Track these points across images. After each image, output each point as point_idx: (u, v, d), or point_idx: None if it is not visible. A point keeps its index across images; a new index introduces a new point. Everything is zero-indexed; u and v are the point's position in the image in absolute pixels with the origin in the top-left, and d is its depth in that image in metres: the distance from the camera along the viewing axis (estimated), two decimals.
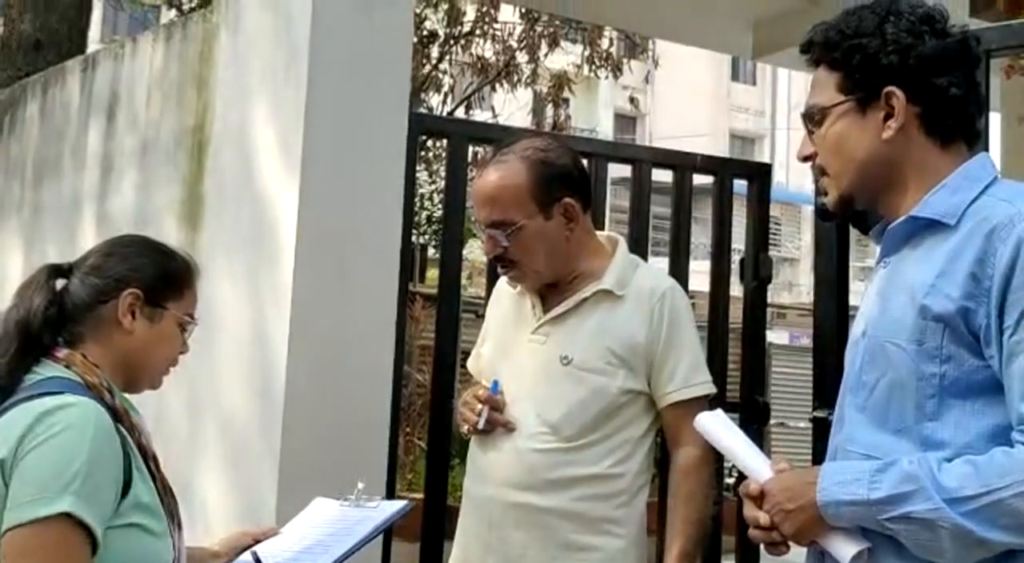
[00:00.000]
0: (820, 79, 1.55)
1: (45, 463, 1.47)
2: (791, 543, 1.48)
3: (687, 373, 2.13)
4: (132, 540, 1.53)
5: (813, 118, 1.55)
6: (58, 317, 1.62)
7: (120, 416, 1.58)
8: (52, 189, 4.26)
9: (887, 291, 1.49)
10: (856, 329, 1.55)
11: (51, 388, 1.55)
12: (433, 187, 9.45)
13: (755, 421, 3.36)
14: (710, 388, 2.17)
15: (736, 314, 3.48)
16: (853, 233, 2.90)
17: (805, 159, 1.58)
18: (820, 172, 1.57)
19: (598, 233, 2.29)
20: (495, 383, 2.17)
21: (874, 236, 1.59)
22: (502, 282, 2.31)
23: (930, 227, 1.47)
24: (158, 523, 1.57)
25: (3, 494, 1.48)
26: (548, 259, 2.14)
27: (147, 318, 1.66)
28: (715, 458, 2.17)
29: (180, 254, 1.76)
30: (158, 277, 1.68)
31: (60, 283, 1.65)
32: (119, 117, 3.84)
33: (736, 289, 3.53)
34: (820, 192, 1.61)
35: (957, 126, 1.51)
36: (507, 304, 2.28)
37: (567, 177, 2.15)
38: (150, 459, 1.62)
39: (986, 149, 1.67)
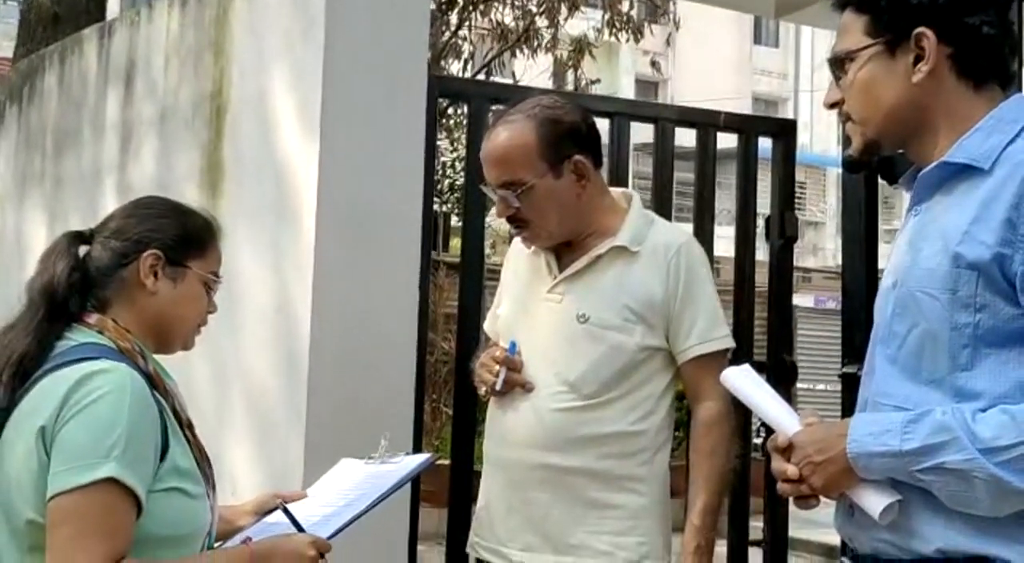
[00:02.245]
0: (847, 23, 1.51)
1: (86, 430, 1.47)
2: (820, 496, 1.46)
3: (705, 327, 2.11)
4: (172, 504, 1.54)
5: (840, 63, 1.51)
6: (83, 283, 1.62)
7: (155, 381, 1.59)
8: (72, 160, 4.26)
9: (918, 240, 1.46)
10: (886, 280, 1.51)
11: (86, 354, 1.54)
12: (455, 155, 9.42)
13: (783, 380, 3.33)
14: (729, 342, 2.16)
15: (762, 277, 3.44)
16: (882, 191, 2.86)
17: (832, 106, 1.55)
18: (846, 118, 1.53)
19: (612, 189, 2.27)
20: (512, 343, 2.16)
21: (904, 183, 1.55)
22: (516, 243, 2.29)
23: (963, 172, 1.43)
24: (196, 486, 1.58)
25: (44, 461, 1.48)
26: (560, 218, 2.12)
27: (170, 278, 1.65)
28: (737, 413, 2.16)
29: (200, 213, 1.75)
30: (178, 236, 1.67)
31: (83, 249, 1.65)
32: (137, 85, 3.83)
33: (762, 252, 3.48)
34: (846, 139, 1.57)
35: (990, 67, 1.46)
36: (522, 264, 2.26)
37: (576, 134, 2.13)
38: (185, 424, 1.62)
39: (1019, 90, 1.62)
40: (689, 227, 3.30)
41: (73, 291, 1.60)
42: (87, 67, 4.25)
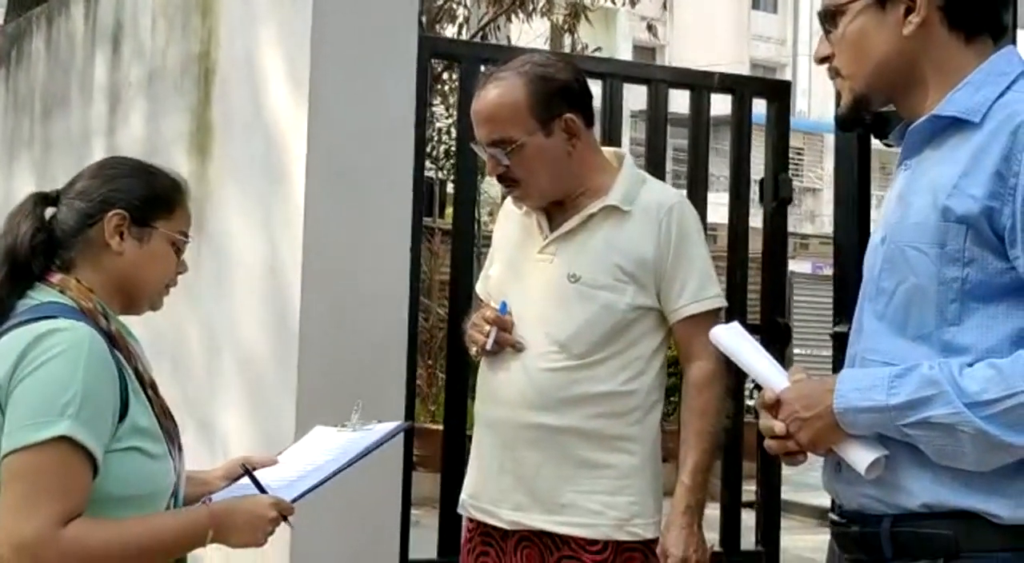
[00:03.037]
0: None
1: (41, 388, 1.46)
2: (808, 452, 1.45)
3: (697, 287, 2.10)
4: (131, 463, 1.53)
5: (830, 17, 1.49)
6: (48, 244, 1.61)
7: (116, 341, 1.57)
8: (61, 123, 4.23)
9: (908, 194, 1.44)
10: (875, 236, 1.50)
11: (46, 312, 1.53)
12: (450, 120, 9.36)
13: (776, 342, 3.32)
14: (721, 301, 2.15)
15: (757, 242, 3.42)
16: (878, 157, 2.84)
17: (822, 60, 1.53)
18: (835, 73, 1.51)
19: (604, 149, 2.25)
20: (503, 304, 2.15)
21: (895, 138, 1.53)
22: (508, 203, 2.28)
23: (953, 126, 1.41)
24: (157, 446, 1.57)
25: (1, 419, 1.48)
26: (551, 177, 2.11)
27: (136, 238, 1.63)
28: (729, 373, 2.15)
29: (168, 173, 1.73)
30: (144, 196, 1.65)
31: (49, 211, 1.63)
32: (125, 47, 3.79)
33: (756, 219, 3.46)
34: (838, 98, 1.55)
35: (982, 19, 1.44)
36: (513, 224, 2.25)
37: (567, 92, 2.11)
38: (147, 385, 1.61)
39: (1013, 43, 1.60)
40: (683, 192, 3.28)
41: (36, 252, 1.59)
42: (74, 29, 4.20)
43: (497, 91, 2.09)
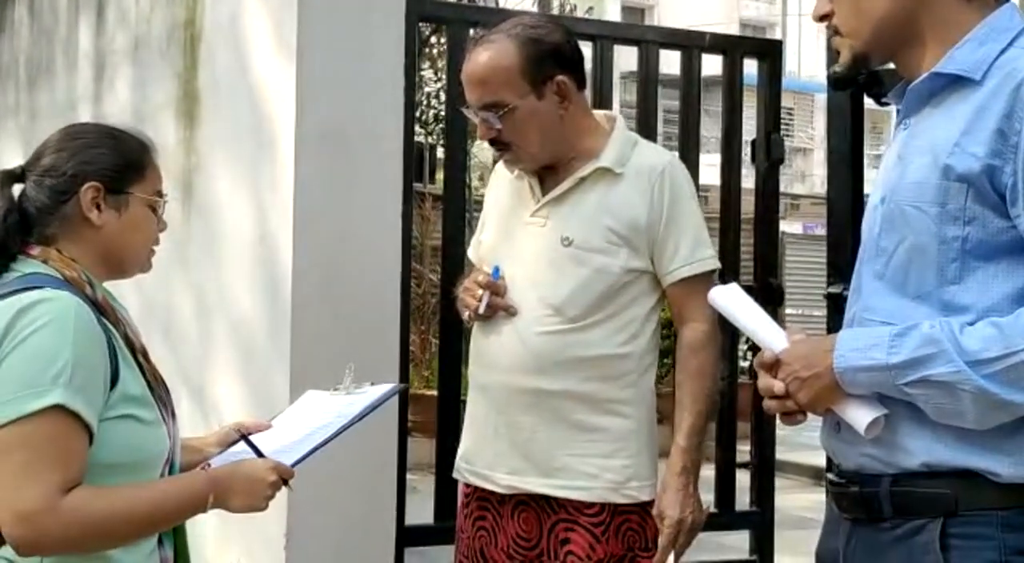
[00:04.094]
0: None
1: (30, 359, 1.45)
2: (807, 413, 1.45)
3: (690, 249, 2.10)
4: (124, 430, 1.52)
5: None
6: (22, 222, 1.58)
7: (103, 309, 1.56)
8: (47, 91, 4.19)
9: (907, 153, 1.43)
10: (874, 196, 1.49)
11: (29, 283, 1.52)
12: (439, 85, 9.29)
13: (769, 303, 3.32)
14: (715, 263, 2.15)
15: (749, 203, 3.41)
16: (870, 117, 2.82)
17: (821, 19, 1.51)
18: (834, 32, 1.49)
19: (596, 112, 2.23)
20: (496, 268, 2.14)
21: (894, 97, 1.52)
22: (499, 167, 2.27)
23: (954, 83, 1.40)
24: (149, 412, 1.56)
25: None
26: (543, 140, 2.09)
27: (113, 208, 1.61)
28: (723, 334, 2.15)
29: (132, 134, 1.69)
30: (115, 165, 1.62)
31: (17, 188, 1.60)
32: (109, 14, 3.74)
33: (749, 180, 3.45)
34: (835, 55, 1.54)
35: None
36: (505, 188, 2.23)
37: (558, 54, 2.09)
38: (137, 351, 1.60)
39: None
40: (675, 154, 3.26)
41: (9, 232, 1.56)
42: None
43: (488, 54, 2.07)
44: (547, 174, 2.15)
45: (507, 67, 2.06)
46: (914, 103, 1.45)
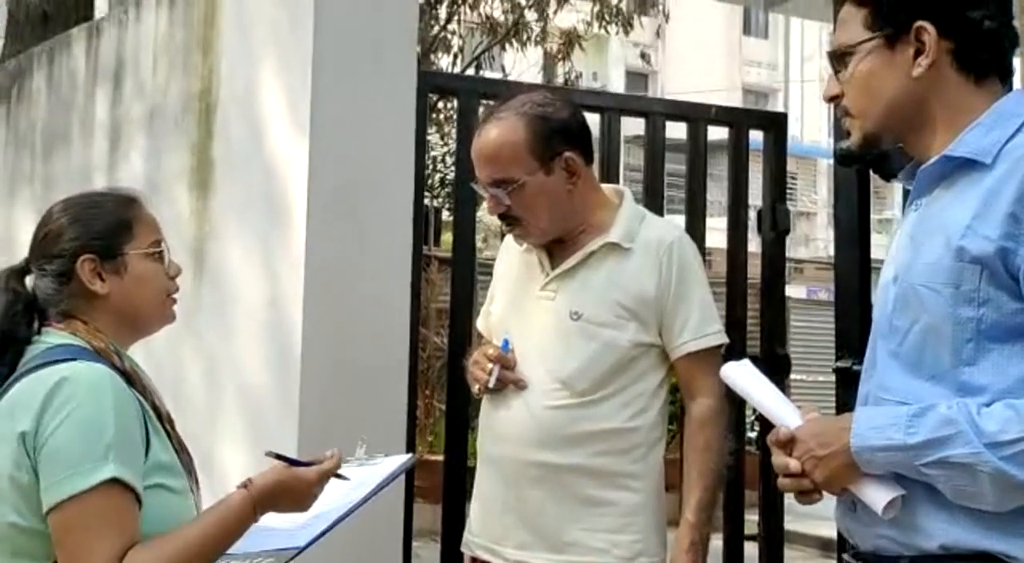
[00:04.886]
0: (846, 16, 1.50)
1: (77, 436, 1.46)
2: (822, 491, 1.45)
3: (699, 323, 2.11)
4: (157, 500, 1.53)
5: (839, 57, 1.50)
6: (31, 309, 1.61)
7: (131, 379, 1.58)
8: (62, 160, 4.24)
9: (919, 234, 1.44)
10: (886, 273, 1.50)
11: (61, 355, 1.53)
12: (446, 149, 9.40)
13: (776, 373, 3.32)
14: (722, 338, 2.16)
15: (754, 269, 3.44)
16: (873, 182, 2.85)
17: (831, 99, 1.54)
18: (844, 113, 1.52)
19: (604, 186, 2.26)
20: (505, 341, 2.15)
21: (904, 177, 1.54)
22: (509, 240, 2.29)
23: (965, 167, 1.42)
24: (178, 481, 1.58)
25: (29, 466, 1.47)
26: (552, 215, 2.12)
27: (114, 273, 1.63)
28: (731, 408, 2.15)
29: (112, 194, 1.72)
30: (101, 231, 1.64)
31: (29, 281, 1.63)
32: (126, 84, 3.80)
33: (754, 244, 3.48)
34: (844, 133, 1.56)
35: (991, 62, 1.45)
36: (515, 261, 2.26)
37: (566, 131, 2.12)
38: (164, 420, 1.61)
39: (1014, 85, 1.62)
40: (681, 219, 3.30)
41: (16, 323, 1.59)
42: (76, 67, 4.22)
43: (497, 132, 2.11)
44: (556, 248, 2.17)
45: (515, 144, 2.09)
46: (925, 184, 1.47)
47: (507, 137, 2.10)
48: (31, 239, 1.68)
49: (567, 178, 2.11)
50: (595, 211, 2.16)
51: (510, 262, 2.28)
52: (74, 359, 1.52)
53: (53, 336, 1.59)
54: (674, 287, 2.10)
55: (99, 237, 1.63)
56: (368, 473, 1.78)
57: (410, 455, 1.94)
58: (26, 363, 1.55)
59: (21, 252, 1.72)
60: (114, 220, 1.66)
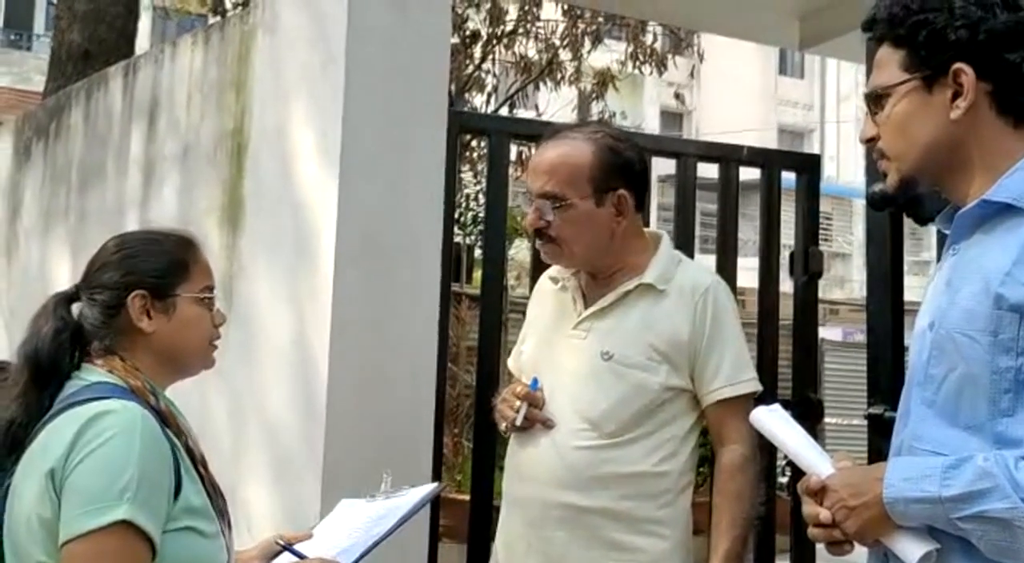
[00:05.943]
0: (883, 57, 1.48)
1: (97, 473, 1.45)
2: (854, 542, 1.41)
3: (732, 370, 2.08)
4: (186, 543, 1.51)
5: (876, 98, 1.48)
6: (77, 339, 1.61)
7: (166, 419, 1.57)
8: (97, 195, 4.29)
9: (957, 280, 1.41)
10: (922, 320, 1.46)
11: (97, 393, 1.53)
12: (478, 187, 9.43)
13: (808, 418, 3.27)
14: (756, 386, 2.12)
15: (787, 310, 3.40)
16: (906, 224, 2.81)
17: (867, 141, 1.51)
18: (880, 155, 1.50)
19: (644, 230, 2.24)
20: (534, 380, 2.13)
21: (941, 221, 1.51)
22: (544, 279, 2.28)
23: (1004, 212, 1.39)
24: (210, 525, 1.56)
25: (55, 503, 1.46)
26: (588, 245, 2.10)
27: (162, 312, 1.63)
28: (763, 456, 2.11)
29: (171, 235, 1.72)
30: (157, 270, 1.64)
31: (76, 308, 1.63)
32: (160, 121, 3.85)
33: (786, 285, 3.45)
34: (880, 176, 1.54)
35: None
36: (548, 301, 2.24)
37: (628, 170, 2.12)
38: (198, 461, 1.60)
39: None
40: (712, 259, 3.27)
41: (62, 351, 1.59)
42: (112, 103, 4.28)
43: (563, 148, 2.11)
44: (590, 288, 2.16)
45: (577, 165, 2.08)
46: (963, 229, 1.44)
47: (570, 156, 2.09)
48: (85, 268, 1.68)
49: (614, 215, 2.10)
50: (633, 254, 2.14)
51: (544, 302, 2.26)
52: (109, 397, 1.52)
53: (91, 373, 1.59)
54: (708, 332, 2.08)
55: (154, 275, 1.63)
56: (394, 505, 1.76)
57: (436, 484, 1.91)
58: (63, 400, 1.55)
59: (56, 284, 1.73)
60: (171, 260, 1.66)
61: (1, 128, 5.93)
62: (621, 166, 2.10)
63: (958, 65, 1.41)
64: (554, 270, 2.25)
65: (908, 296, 2.78)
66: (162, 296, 1.63)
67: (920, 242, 16.41)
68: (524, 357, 2.26)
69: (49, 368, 1.57)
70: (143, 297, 1.61)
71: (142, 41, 8.49)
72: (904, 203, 1.70)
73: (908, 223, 2.80)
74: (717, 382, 2.07)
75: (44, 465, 1.48)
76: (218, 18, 9.06)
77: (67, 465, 1.46)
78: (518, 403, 2.10)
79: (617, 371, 2.06)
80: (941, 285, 1.45)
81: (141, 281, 1.62)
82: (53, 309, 1.62)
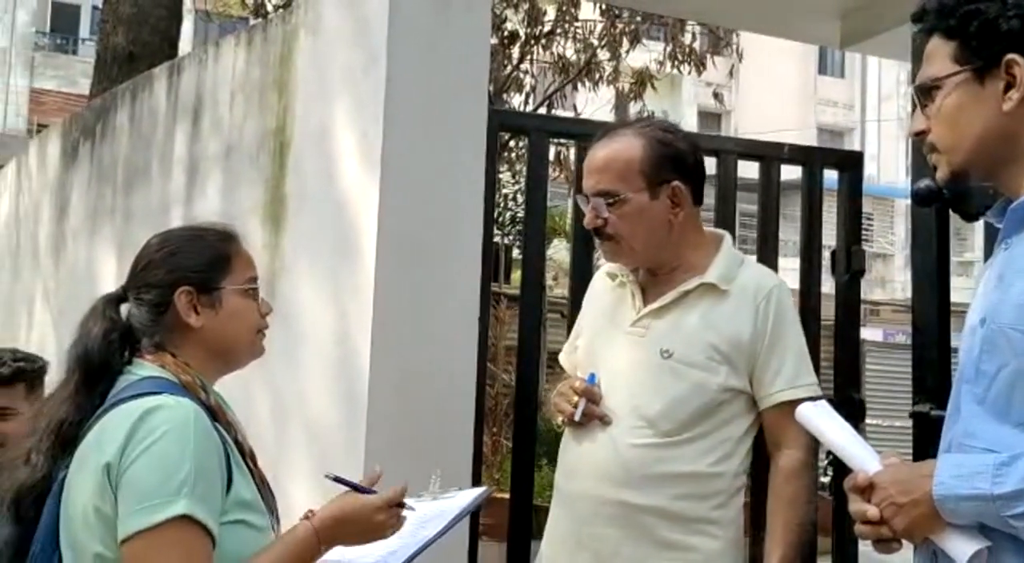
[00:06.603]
0: (934, 49, 1.46)
1: (154, 469, 1.47)
2: (902, 540, 1.39)
3: (792, 373, 2.05)
4: (238, 537, 1.53)
5: (926, 91, 1.46)
6: (127, 339, 1.63)
7: (216, 414, 1.59)
8: (142, 194, 4.35)
9: (1009, 274, 1.39)
10: (972, 316, 1.44)
11: (148, 388, 1.55)
12: (516, 187, 9.44)
13: (851, 418, 3.23)
14: (816, 390, 2.08)
15: (828, 310, 3.37)
16: (952, 222, 2.78)
17: (917, 135, 1.49)
18: (931, 148, 1.47)
19: (706, 229, 2.22)
20: (592, 375, 2.11)
21: (994, 215, 1.48)
22: (600, 275, 2.27)
23: None
24: (261, 518, 1.57)
25: (112, 497, 1.49)
26: (646, 240, 2.09)
27: (209, 306, 1.65)
28: (816, 461, 2.09)
29: (212, 229, 1.73)
30: (201, 264, 1.66)
31: (124, 308, 1.65)
32: (204, 121, 3.89)
33: (828, 285, 3.42)
34: (927, 170, 1.52)
35: None
36: (605, 296, 2.22)
37: (681, 161, 2.10)
38: (247, 455, 1.62)
39: None
40: (753, 259, 3.25)
41: (112, 351, 1.60)
42: (156, 104, 4.34)
43: (613, 145, 2.10)
44: (649, 285, 2.14)
45: (628, 160, 2.08)
46: (1016, 223, 1.42)
47: (621, 152, 2.09)
48: (130, 268, 1.70)
49: (670, 207, 2.09)
50: (693, 250, 2.13)
51: (600, 296, 2.24)
52: (160, 393, 1.54)
53: (142, 368, 1.60)
54: (770, 334, 2.06)
55: (198, 270, 1.65)
56: (442, 507, 1.76)
57: (485, 488, 1.90)
58: (115, 395, 1.57)
59: (103, 283, 1.75)
60: (213, 254, 1.68)
61: (49, 130, 6.03)
62: (672, 157, 2.09)
63: (1011, 56, 1.39)
64: (611, 266, 2.23)
65: (952, 297, 2.75)
66: (208, 290, 1.64)
67: (964, 242, 16.18)
68: (580, 351, 2.24)
69: (100, 368, 1.59)
70: (189, 293, 1.63)
71: (184, 44, 8.58)
72: (951, 199, 1.68)
73: (953, 222, 2.76)
74: (776, 385, 2.05)
75: (100, 459, 1.50)
76: (259, 20, 9.15)
77: (123, 460, 1.48)
78: (576, 398, 2.09)
79: (676, 370, 2.04)
80: (992, 280, 1.42)
81: (186, 277, 1.64)
82: (102, 311, 1.64)
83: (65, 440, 1.56)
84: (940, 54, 1.45)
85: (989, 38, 1.40)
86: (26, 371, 2.40)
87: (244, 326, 1.68)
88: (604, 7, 9.04)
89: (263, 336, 1.72)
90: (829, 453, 1.54)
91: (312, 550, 1.55)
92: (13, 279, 6.21)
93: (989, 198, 1.50)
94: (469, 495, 1.79)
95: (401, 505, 1.61)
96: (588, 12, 9.62)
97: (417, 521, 1.71)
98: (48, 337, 5.15)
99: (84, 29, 21.34)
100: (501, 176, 8.98)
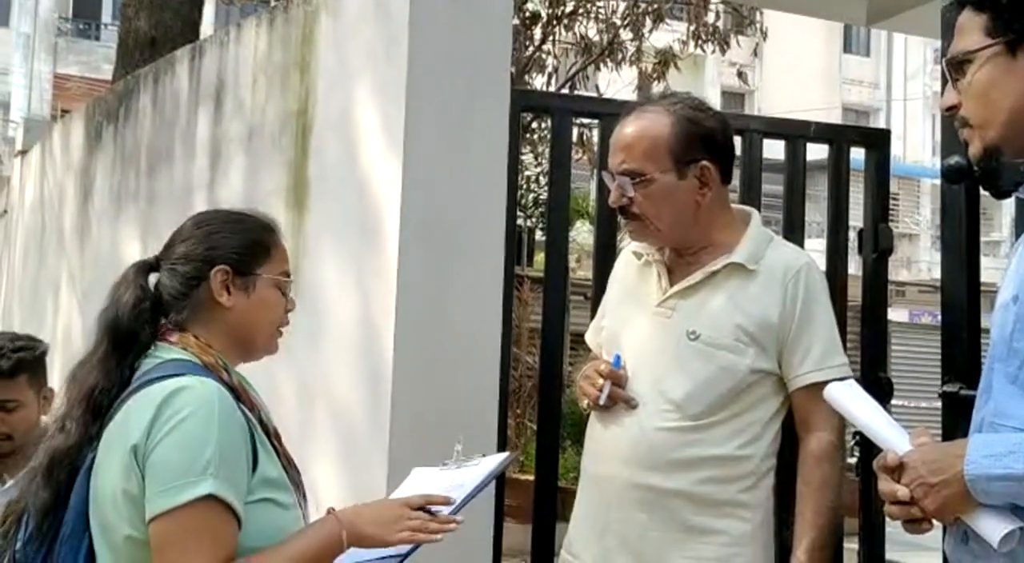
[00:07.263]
0: (965, 22, 1.44)
1: (179, 449, 1.48)
2: (933, 520, 1.37)
3: (822, 354, 2.02)
4: (265, 515, 1.54)
5: (957, 65, 1.43)
6: (155, 310, 1.63)
7: (239, 394, 1.60)
8: (165, 177, 4.36)
9: None
10: (1005, 293, 1.42)
11: (171, 371, 1.56)
12: (539, 169, 9.41)
13: (878, 398, 3.20)
14: (846, 371, 2.04)
15: (855, 290, 3.33)
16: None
17: (948, 109, 1.46)
18: (962, 123, 1.45)
19: (733, 206, 2.18)
20: (617, 357, 2.08)
21: None
22: (625, 254, 2.23)
23: None
24: (287, 496, 1.59)
25: (140, 478, 1.50)
26: (673, 220, 2.05)
27: (242, 289, 1.65)
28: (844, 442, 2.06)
29: (256, 216, 1.74)
30: (241, 246, 1.67)
31: (153, 278, 1.66)
32: (226, 104, 3.89)
33: (854, 266, 3.38)
34: (957, 146, 1.49)
35: None
36: (631, 276, 2.19)
37: (710, 140, 2.06)
38: (272, 434, 1.63)
39: None
40: (781, 238, 3.22)
41: (141, 320, 1.61)
42: (179, 87, 4.34)
43: (640, 123, 2.06)
44: (676, 264, 2.10)
45: (655, 138, 2.03)
46: None
47: (648, 130, 2.04)
48: (166, 242, 1.71)
49: (698, 187, 2.05)
50: (720, 229, 2.09)
51: (626, 276, 2.21)
52: (184, 374, 1.54)
53: (166, 351, 1.61)
54: (799, 315, 2.02)
55: (238, 251, 1.66)
56: (467, 474, 1.75)
57: (507, 453, 1.89)
58: (139, 377, 1.58)
59: (127, 263, 1.75)
60: (254, 239, 1.69)
61: (72, 114, 6.06)
62: (702, 136, 2.04)
63: None
64: (637, 245, 2.19)
65: (981, 276, 2.71)
66: (243, 273, 1.66)
67: (990, 222, 16.03)
68: (605, 332, 2.21)
69: (128, 336, 1.60)
70: (225, 272, 1.64)
71: (206, 28, 8.60)
72: (981, 175, 1.65)
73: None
74: (805, 366, 2.01)
75: (127, 441, 1.51)
76: (280, 1, 9.14)
77: (149, 442, 1.49)
78: (601, 381, 2.06)
79: (704, 352, 2.01)
80: None
81: (225, 256, 1.65)
82: (134, 277, 1.65)
83: (96, 407, 1.57)
84: (972, 27, 1.42)
85: (1021, 10, 1.37)
86: (27, 361, 2.40)
87: (269, 317, 1.69)
88: None
89: (280, 334, 1.73)
90: (856, 433, 1.52)
91: (338, 543, 1.55)
92: (38, 263, 6.26)
93: (1020, 174, 1.47)
94: (492, 461, 1.78)
95: (424, 510, 1.61)
96: None
97: (444, 489, 1.71)
98: (74, 320, 5.19)
99: (106, 14, 21.43)
100: (524, 158, 8.95)
